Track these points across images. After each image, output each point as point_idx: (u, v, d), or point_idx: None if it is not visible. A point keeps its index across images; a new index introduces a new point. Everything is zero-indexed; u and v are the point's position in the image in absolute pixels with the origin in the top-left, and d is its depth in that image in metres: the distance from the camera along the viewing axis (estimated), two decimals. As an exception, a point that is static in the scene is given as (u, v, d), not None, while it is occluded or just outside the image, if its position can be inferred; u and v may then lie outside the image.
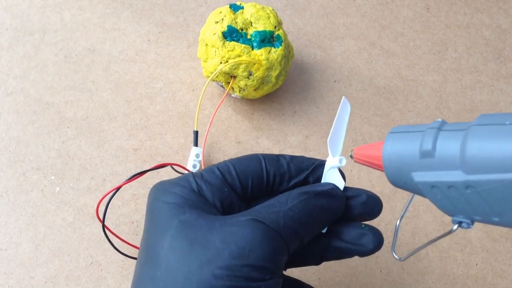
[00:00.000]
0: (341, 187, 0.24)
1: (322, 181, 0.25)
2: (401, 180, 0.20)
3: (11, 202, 0.36)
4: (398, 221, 0.25)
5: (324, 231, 0.25)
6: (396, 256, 0.24)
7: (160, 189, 0.24)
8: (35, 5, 0.44)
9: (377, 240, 0.24)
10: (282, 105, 0.42)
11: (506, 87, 0.46)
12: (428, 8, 0.49)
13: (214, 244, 0.20)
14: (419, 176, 0.19)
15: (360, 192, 0.25)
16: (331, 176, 0.25)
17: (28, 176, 0.37)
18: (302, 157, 0.26)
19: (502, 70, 0.46)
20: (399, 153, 0.20)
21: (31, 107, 0.40)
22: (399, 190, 0.40)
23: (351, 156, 0.24)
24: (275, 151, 0.40)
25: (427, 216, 0.39)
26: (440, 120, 0.19)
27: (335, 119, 0.25)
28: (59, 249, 0.35)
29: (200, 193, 0.23)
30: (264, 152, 0.40)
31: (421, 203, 0.39)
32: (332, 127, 0.25)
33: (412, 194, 0.23)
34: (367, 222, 0.25)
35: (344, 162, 0.25)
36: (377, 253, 0.37)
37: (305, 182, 0.25)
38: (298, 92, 0.43)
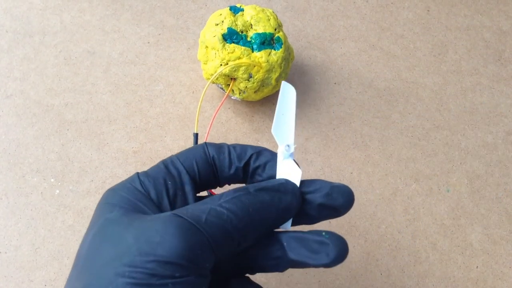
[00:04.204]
0: (297, 179, 0.23)
1: (277, 176, 0.23)
2: None
3: (11, 205, 0.36)
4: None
5: (288, 227, 0.23)
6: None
7: (108, 191, 0.23)
8: (35, 7, 0.44)
9: (339, 251, 0.21)
10: (282, 107, 0.42)
11: (506, 89, 0.46)
12: (428, 10, 0.49)
13: (126, 240, 0.19)
14: None
15: (323, 184, 0.22)
16: (285, 168, 0.23)
17: (27, 179, 0.37)
18: (246, 145, 0.25)
19: (502, 72, 0.46)
20: None
21: (31, 110, 0.40)
22: (399, 192, 0.40)
23: None
24: (275, 153, 0.40)
25: (427, 219, 0.39)
26: None
27: (277, 105, 0.24)
28: (59, 252, 0.35)
29: (143, 190, 0.22)
30: (264, 155, 0.40)
31: (421, 206, 0.39)
32: (275, 115, 0.24)
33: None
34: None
35: (292, 148, 0.23)
36: (377, 256, 0.37)
37: (246, 168, 0.24)
38: (298, 94, 0.43)
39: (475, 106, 0.44)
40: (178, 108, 0.41)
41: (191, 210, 0.20)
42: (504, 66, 0.47)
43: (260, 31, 0.37)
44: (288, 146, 0.23)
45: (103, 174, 0.38)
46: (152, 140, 0.40)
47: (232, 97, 0.40)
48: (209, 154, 0.24)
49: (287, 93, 0.24)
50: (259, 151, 0.24)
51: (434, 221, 0.39)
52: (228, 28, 0.37)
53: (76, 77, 0.42)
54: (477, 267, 0.38)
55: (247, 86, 0.37)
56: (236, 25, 0.37)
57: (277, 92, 0.42)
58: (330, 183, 0.22)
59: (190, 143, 0.39)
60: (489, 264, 0.38)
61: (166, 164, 0.23)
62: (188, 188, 0.23)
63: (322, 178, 0.39)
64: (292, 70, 0.44)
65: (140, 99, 0.41)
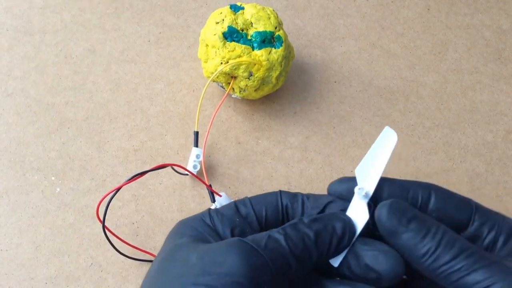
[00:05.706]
0: (362, 222, 0.22)
1: (347, 211, 0.24)
2: None
3: (12, 203, 0.36)
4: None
5: (336, 263, 0.23)
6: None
7: (180, 222, 0.25)
8: (36, 5, 0.44)
9: (395, 261, 0.21)
10: (283, 106, 0.42)
11: (506, 87, 0.46)
12: (428, 9, 0.49)
13: (191, 261, 0.20)
14: None
15: (381, 247, 0.22)
16: (355, 207, 0.23)
17: (28, 177, 0.37)
18: (320, 195, 0.26)
19: (502, 71, 0.46)
20: None
21: (32, 108, 0.40)
22: (399, 190, 0.40)
23: None
24: (276, 151, 0.40)
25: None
26: None
27: (371, 147, 0.23)
28: (59, 250, 0.35)
29: (211, 224, 0.24)
30: (264, 152, 0.40)
31: (422, 204, 0.39)
32: (366, 155, 0.23)
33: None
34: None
35: (368, 198, 0.22)
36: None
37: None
38: (298, 93, 0.43)
39: (475, 105, 0.44)
40: (178, 106, 0.41)
41: (252, 237, 0.22)
42: (504, 65, 0.47)
43: (261, 29, 0.37)
44: (366, 193, 0.22)
45: (103, 172, 0.38)
46: (153, 138, 0.40)
47: (232, 96, 0.40)
48: (282, 202, 0.25)
49: (387, 139, 0.23)
50: (331, 201, 0.25)
51: (434, 219, 0.39)
52: (228, 26, 0.37)
53: (77, 76, 0.42)
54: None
55: (248, 85, 0.37)
56: (237, 23, 0.37)
57: (278, 90, 0.42)
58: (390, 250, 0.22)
59: (190, 141, 0.39)
60: (489, 262, 0.38)
61: (237, 205, 0.25)
62: (254, 228, 0.25)
63: (322, 176, 0.39)
64: (293, 68, 0.44)
65: (141, 98, 0.41)
